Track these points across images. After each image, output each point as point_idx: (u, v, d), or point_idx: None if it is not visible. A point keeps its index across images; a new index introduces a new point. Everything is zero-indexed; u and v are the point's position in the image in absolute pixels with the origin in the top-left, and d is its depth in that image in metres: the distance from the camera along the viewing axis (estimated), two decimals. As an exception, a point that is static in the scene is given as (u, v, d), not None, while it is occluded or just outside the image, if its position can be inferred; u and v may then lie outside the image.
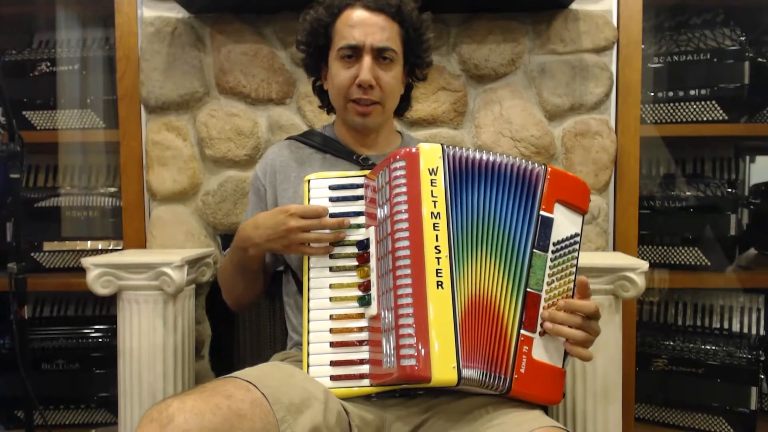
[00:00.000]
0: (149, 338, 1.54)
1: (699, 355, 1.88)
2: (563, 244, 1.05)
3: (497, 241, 1.02)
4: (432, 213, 1.00)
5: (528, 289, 1.02)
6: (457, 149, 1.04)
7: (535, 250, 1.03)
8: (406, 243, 0.99)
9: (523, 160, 1.06)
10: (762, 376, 1.84)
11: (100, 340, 1.95)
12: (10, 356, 1.89)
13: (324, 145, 1.31)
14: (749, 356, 1.83)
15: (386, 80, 1.21)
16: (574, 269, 1.06)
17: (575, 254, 1.06)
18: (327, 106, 1.37)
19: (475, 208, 1.02)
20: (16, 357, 1.57)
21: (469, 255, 1.00)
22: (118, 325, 1.58)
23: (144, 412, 0.88)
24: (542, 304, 1.02)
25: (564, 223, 1.05)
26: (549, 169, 1.06)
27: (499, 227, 1.03)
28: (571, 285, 1.05)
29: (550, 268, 1.04)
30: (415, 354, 0.94)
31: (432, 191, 1.01)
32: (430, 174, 1.02)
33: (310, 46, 1.28)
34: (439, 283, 0.97)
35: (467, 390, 1.02)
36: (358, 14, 1.20)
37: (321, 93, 1.36)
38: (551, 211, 1.05)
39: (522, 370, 0.99)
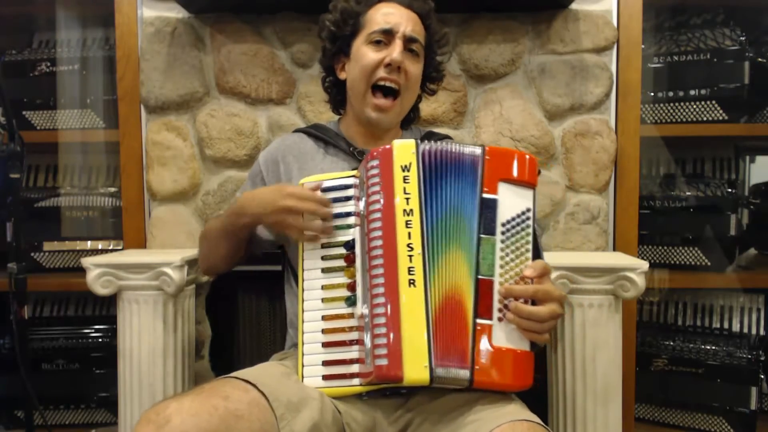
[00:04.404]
0: (149, 338, 1.54)
1: (699, 355, 1.88)
2: (513, 223, 1.03)
3: (460, 232, 1.01)
4: (404, 210, 1.00)
5: (479, 276, 1.00)
6: (431, 144, 1.04)
7: (482, 235, 1.01)
8: (380, 242, 0.99)
9: (465, 146, 1.05)
10: (762, 376, 1.84)
11: (100, 340, 1.95)
12: (10, 356, 1.89)
13: (326, 139, 1.32)
14: (749, 356, 1.83)
15: (412, 70, 1.23)
16: (529, 246, 1.03)
17: (528, 230, 1.03)
18: (335, 102, 1.37)
19: (446, 202, 1.02)
20: (16, 357, 1.57)
21: (441, 250, 1.00)
22: (118, 325, 1.58)
23: (143, 412, 0.89)
24: (497, 288, 1.00)
25: (511, 201, 1.03)
26: (486, 149, 1.04)
27: (460, 218, 1.02)
28: (528, 263, 1.03)
29: (502, 250, 1.02)
30: (386, 354, 0.94)
31: (405, 188, 1.00)
32: (403, 171, 1.01)
33: (336, 35, 1.28)
34: (411, 281, 0.97)
35: (442, 387, 1.01)
36: (393, 7, 1.24)
37: (331, 87, 1.35)
38: (495, 192, 1.03)
39: (483, 361, 0.98)
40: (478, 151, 1.04)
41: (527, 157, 1.06)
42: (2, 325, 1.92)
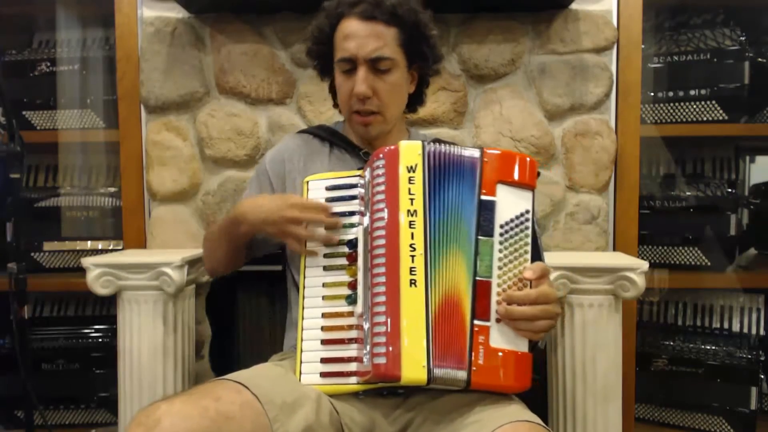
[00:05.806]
0: (149, 338, 1.54)
1: (699, 355, 1.88)
2: (511, 225, 1.03)
3: (460, 234, 1.02)
4: (409, 211, 1.00)
5: (477, 278, 1.00)
6: (438, 146, 1.04)
7: (480, 237, 1.01)
8: (383, 242, 1.00)
9: (465, 148, 1.05)
10: (762, 376, 1.84)
11: (100, 340, 1.96)
12: (10, 356, 1.89)
13: (332, 140, 1.32)
14: (749, 356, 1.83)
15: (383, 89, 1.20)
16: (528, 247, 1.03)
17: (527, 231, 1.03)
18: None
19: (448, 203, 1.03)
20: (16, 357, 1.57)
21: (442, 251, 1.00)
22: (118, 325, 1.58)
23: (135, 413, 0.89)
24: (495, 289, 1.01)
25: (510, 202, 1.03)
26: (484, 151, 1.05)
27: (460, 220, 1.02)
28: (528, 264, 1.03)
29: (500, 251, 1.02)
30: (385, 352, 0.95)
31: (409, 189, 1.01)
32: (409, 171, 1.02)
33: (317, 54, 1.28)
34: (413, 282, 0.97)
35: (439, 388, 1.01)
36: (352, 25, 1.18)
37: (335, 93, 1.35)
38: (493, 194, 1.03)
39: (480, 362, 0.98)
40: (476, 153, 1.05)
41: (526, 159, 1.06)
42: (2, 325, 1.92)
